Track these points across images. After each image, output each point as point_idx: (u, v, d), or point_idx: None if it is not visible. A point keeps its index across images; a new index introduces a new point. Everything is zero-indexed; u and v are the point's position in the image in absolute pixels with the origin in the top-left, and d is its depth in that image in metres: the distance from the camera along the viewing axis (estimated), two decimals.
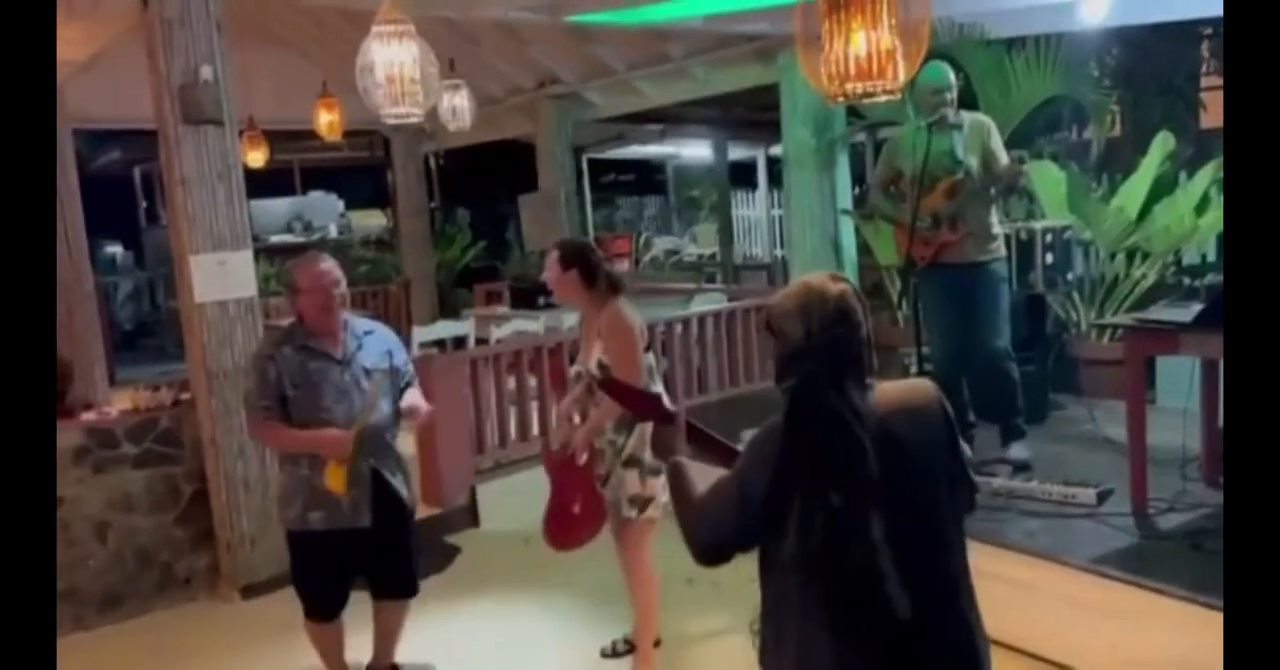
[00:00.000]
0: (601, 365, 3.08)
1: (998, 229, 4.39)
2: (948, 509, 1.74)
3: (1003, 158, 4.29)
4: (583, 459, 3.14)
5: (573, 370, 3.30)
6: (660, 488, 3.17)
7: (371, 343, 3.14)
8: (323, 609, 3.16)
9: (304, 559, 3.14)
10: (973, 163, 4.25)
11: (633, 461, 3.18)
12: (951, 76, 4.27)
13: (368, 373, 3.06)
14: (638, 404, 2.17)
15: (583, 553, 3.50)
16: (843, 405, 1.67)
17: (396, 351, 3.22)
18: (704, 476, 1.91)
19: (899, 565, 1.63)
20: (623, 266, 13.64)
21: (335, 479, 2.91)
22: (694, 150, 13.10)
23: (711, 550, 1.82)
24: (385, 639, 3.34)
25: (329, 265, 3.06)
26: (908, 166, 4.32)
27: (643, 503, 3.19)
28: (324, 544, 3.06)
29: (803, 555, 1.65)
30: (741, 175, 13.30)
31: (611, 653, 3.49)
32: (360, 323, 3.19)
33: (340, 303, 3.04)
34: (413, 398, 3.21)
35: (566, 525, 3.21)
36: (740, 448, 1.93)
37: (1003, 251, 4.44)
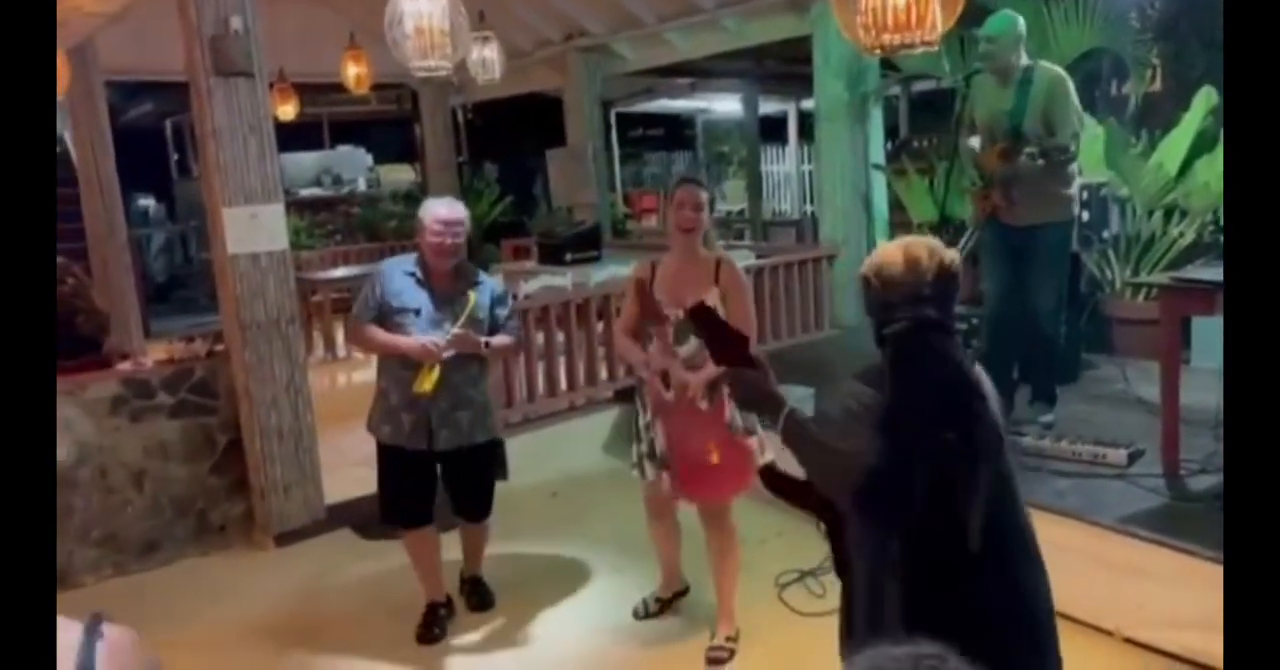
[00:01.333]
0: (702, 304, 2.79)
1: (1069, 191, 4.19)
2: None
3: (1066, 120, 4.06)
4: (704, 404, 3.04)
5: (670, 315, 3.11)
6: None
7: (479, 292, 3.34)
8: (395, 515, 3.44)
9: (383, 466, 3.42)
10: (1032, 127, 4.11)
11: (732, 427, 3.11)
12: (1007, 24, 4.10)
13: (464, 309, 3.28)
14: (726, 340, 1.94)
15: (614, 508, 3.54)
16: (954, 347, 1.72)
17: (500, 306, 3.42)
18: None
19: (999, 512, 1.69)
20: (651, 222, 13.58)
21: (424, 381, 3.17)
22: (724, 104, 12.94)
23: (869, 487, 1.67)
24: (469, 555, 3.69)
25: (452, 212, 3.28)
26: (978, 116, 4.21)
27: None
28: (394, 456, 3.36)
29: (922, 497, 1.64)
30: (771, 130, 13.13)
31: (645, 613, 3.49)
32: (476, 272, 3.42)
33: (453, 250, 3.27)
34: (497, 337, 3.39)
35: (706, 477, 3.08)
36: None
37: (1070, 213, 4.26)
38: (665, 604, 3.53)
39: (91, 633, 1.09)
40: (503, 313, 3.43)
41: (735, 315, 3.01)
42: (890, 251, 1.78)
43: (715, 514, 3.21)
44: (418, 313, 3.27)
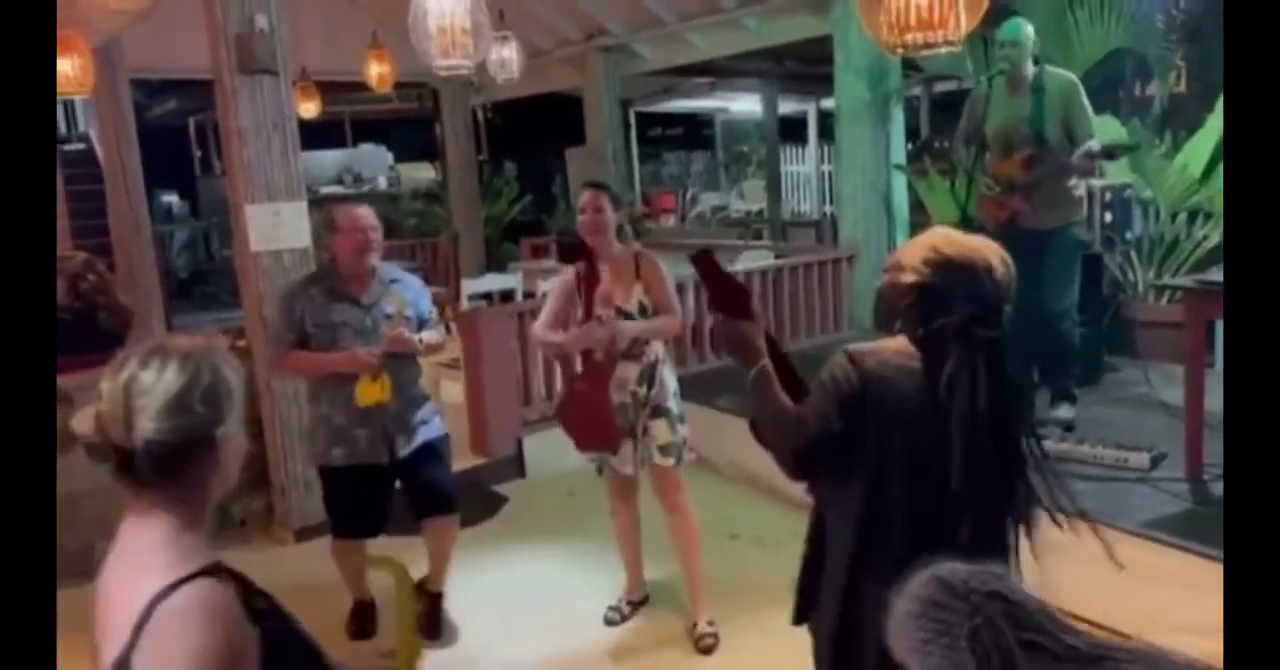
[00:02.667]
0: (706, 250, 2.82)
1: (1080, 192, 4.26)
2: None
3: (1085, 126, 4.10)
4: (620, 344, 3.16)
5: (600, 313, 3.21)
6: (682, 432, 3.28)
7: (398, 291, 3.24)
8: (349, 530, 3.29)
9: (333, 491, 3.29)
10: (1054, 133, 4.11)
11: (659, 411, 3.25)
12: (1023, 33, 4.12)
13: (388, 318, 3.17)
14: (726, 288, 1.96)
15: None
16: (992, 354, 1.67)
17: (422, 300, 3.32)
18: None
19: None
20: (668, 222, 13.58)
21: (369, 392, 3.07)
22: (743, 104, 12.92)
23: (807, 453, 1.75)
24: (435, 561, 3.41)
25: (367, 210, 3.20)
26: (990, 124, 4.22)
27: (676, 450, 3.26)
28: (349, 476, 3.20)
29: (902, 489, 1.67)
30: (791, 130, 13.11)
31: (621, 619, 3.53)
32: (390, 270, 3.30)
33: (374, 247, 3.15)
34: (427, 332, 3.30)
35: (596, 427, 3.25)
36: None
37: (1082, 214, 4.31)
38: (636, 606, 3.58)
39: (168, 590, 1.14)
40: (427, 307, 3.35)
41: (659, 304, 3.22)
42: (979, 246, 1.73)
43: (664, 489, 3.32)
44: (344, 325, 3.13)
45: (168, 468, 1.21)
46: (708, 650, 3.29)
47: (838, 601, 1.79)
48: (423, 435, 3.27)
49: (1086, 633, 0.96)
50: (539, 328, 3.33)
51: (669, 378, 3.32)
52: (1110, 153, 4.12)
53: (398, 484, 3.31)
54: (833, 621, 1.81)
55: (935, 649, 0.94)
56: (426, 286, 3.49)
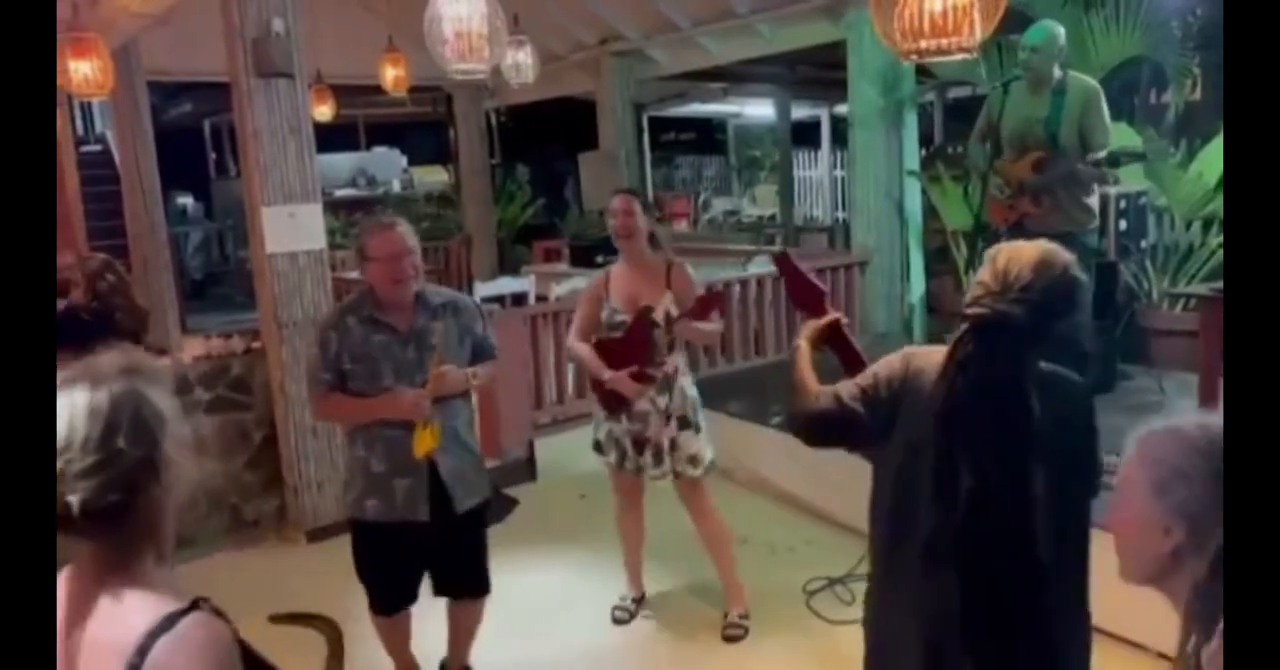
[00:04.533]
0: (785, 252, 2.67)
1: (1091, 199, 4.23)
2: (1063, 487, 1.68)
3: (1100, 134, 4.09)
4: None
5: (619, 317, 3.28)
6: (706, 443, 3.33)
7: (444, 316, 2.82)
8: (383, 602, 2.93)
9: (364, 548, 2.90)
10: (1069, 137, 4.10)
11: (686, 423, 3.30)
12: (1048, 35, 4.11)
13: (432, 349, 2.76)
14: (806, 286, 2.20)
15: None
16: (1030, 363, 1.65)
17: (475, 324, 2.91)
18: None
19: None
20: (681, 227, 13.58)
21: (423, 441, 2.71)
22: (756, 109, 12.93)
23: (810, 423, 1.88)
24: (457, 638, 3.09)
25: (402, 231, 2.76)
26: (1007, 125, 4.21)
27: (704, 461, 3.32)
28: (382, 534, 2.82)
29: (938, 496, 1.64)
30: (804, 135, 13.11)
31: (629, 617, 3.55)
32: (436, 294, 2.87)
33: (413, 274, 2.74)
34: (482, 366, 2.92)
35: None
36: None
37: (1095, 221, 4.29)
38: (638, 604, 3.61)
39: (167, 623, 1.10)
40: (478, 328, 2.91)
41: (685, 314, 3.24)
42: (1023, 251, 1.68)
43: (693, 498, 3.36)
44: (385, 360, 2.74)
45: (114, 515, 1.13)
46: (732, 639, 3.35)
47: (874, 587, 1.88)
48: (472, 496, 2.88)
49: None
50: (575, 343, 3.36)
51: (690, 388, 3.36)
52: (1115, 160, 4.10)
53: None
54: (870, 608, 1.89)
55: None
56: (481, 307, 3.06)
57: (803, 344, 2.04)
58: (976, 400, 1.61)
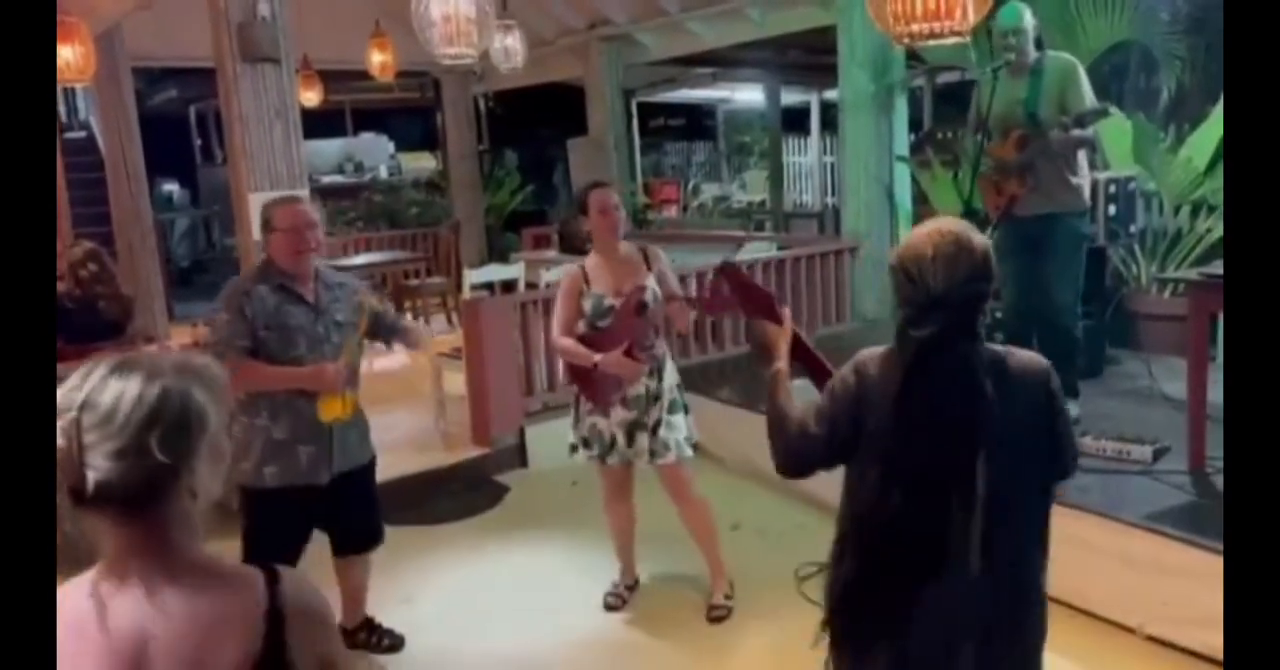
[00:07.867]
0: (728, 262, 2.72)
1: (1078, 180, 4.20)
2: (1039, 474, 1.77)
3: (1078, 103, 4.06)
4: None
5: (607, 302, 3.24)
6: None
7: (344, 295, 2.99)
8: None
9: (257, 517, 2.90)
10: (1049, 115, 4.09)
11: (675, 406, 3.32)
12: (1025, 18, 4.11)
13: (339, 326, 2.92)
14: (755, 297, 2.16)
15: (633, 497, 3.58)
16: (975, 359, 1.66)
17: (366, 303, 3.08)
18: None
19: (986, 524, 1.63)
20: (670, 213, 13.56)
21: (333, 407, 2.88)
22: (746, 94, 12.90)
23: (795, 462, 1.86)
24: (353, 597, 3.20)
25: (306, 206, 2.93)
26: (994, 109, 4.20)
27: (689, 442, 3.34)
28: (279, 501, 2.87)
29: (886, 502, 1.67)
30: (794, 120, 13.08)
31: (622, 604, 3.56)
32: (331, 274, 3.03)
33: (315, 246, 2.86)
34: (406, 328, 3.28)
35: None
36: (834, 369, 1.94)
37: (1083, 204, 4.26)
38: (631, 590, 3.63)
39: (273, 580, 1.18)
40: (382, 308, 3.17)
41: (671, 293, 3.32)
42: (923, 242, 1.68)
43: (675, 483, 3.37)
44: (299, 330, 2.84)
45: (133, 499, 1.11)
46: (718, 620, 3.39)
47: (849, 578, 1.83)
48: (364, 454, 3.07)
49: None
50: (559, 338, 3.31)
51: (674, 372, 3.40)
52: (1081, 120, 4.07)
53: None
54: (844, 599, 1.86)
55: None
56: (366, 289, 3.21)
57: (782, 367, 1.98)
58: (928, 386, 1.65)
